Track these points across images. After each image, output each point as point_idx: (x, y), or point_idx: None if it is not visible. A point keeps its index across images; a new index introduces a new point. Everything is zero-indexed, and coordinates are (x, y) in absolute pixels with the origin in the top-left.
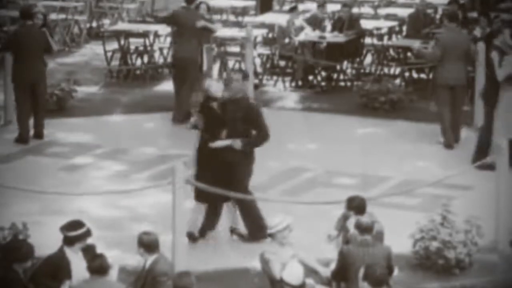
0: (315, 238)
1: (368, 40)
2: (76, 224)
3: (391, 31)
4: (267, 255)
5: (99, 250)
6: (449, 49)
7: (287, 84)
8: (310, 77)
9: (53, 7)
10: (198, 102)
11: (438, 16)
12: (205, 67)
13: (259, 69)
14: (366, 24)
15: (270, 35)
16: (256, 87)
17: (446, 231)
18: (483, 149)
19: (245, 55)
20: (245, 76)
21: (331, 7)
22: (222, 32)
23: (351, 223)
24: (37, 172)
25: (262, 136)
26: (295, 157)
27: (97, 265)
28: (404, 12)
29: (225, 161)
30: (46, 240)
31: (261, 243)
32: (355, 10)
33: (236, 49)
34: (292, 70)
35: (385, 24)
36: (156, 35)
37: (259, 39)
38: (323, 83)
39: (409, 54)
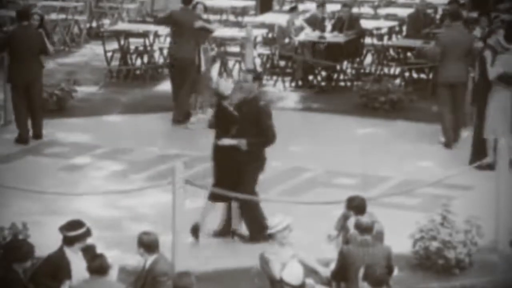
0: (315, 238)
1: (368, 40)
2: (75, 224)
3: (391, 31)
4: (267, 255)
5: (99, 250)
6: (449, 48)
7: (287, 84)
8: (310, 77)
9: (53, 7)
10: (204, 102)
11: (438, 16)
12: (203, 68)
13: (259, 69)
14: (366, 24)
15: (270, 35)
16: None
17: (446, 231)
18: (476, 148)
19: (245, 55)
20: (256, 77)
21: (331, 7)
22: (222, 32)
23: (351, 223)
24: (37, 172)
25: (268, 137)
26: (295, 157)
27: (97, 265)
28: (404, 12)
29: (234, 160)
30: (46, 240)
31: (261, 243)
32: (355, 10)
33: (236, 49)
34: (292, 70)
35: (385, 24)
36: (156, 35)
37: (259, 39)
38: (323, 83)
39: (409, 54)
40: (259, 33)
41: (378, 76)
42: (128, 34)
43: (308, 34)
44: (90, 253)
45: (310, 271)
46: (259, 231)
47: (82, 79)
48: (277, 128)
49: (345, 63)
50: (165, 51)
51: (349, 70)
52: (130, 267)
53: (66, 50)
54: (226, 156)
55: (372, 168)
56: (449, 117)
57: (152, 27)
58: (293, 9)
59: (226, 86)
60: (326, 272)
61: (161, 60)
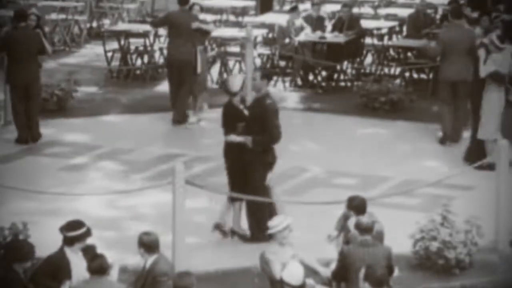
0: (315, 238)
1: (368, 40)
2: (76, 224)
3: (391, 31)
4: (267, 255)
5: (99, 250)
6: (449, 46)
7: (287, 84)
8: (310, 77)
9: (53, 7)
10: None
11: (438, 16)
12: (199, 69)
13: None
14: (366, 24)
15: (270, 35)
16: None
17: (446, 231)
18: (472, 147)
19: (245, 55)
20: (263, 75)
21: (331, 7)
22: (222, 32)
23: (351, 223)
24: (37, 172)
25: (272, 136)
26: (295, 157)
27: (97, 265)
28: (404, 12)
29: (242, 159)
30: (46, 240)
31: (261, 243)
32: (355, 10)
33: (236, 49)
34: (292, 70)
35: (385, 24)
36: (156, 35)
37: (259, 39)
38: (323, 83)
39: (409, 54)
40: (259, 33)
41: (378, 76)
42: (128, 34)
43: (308, 34)
44: (90, 253)
45: (310, 271)
46: (261, 231)
47: (82, 79)
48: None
49: (345, 63)
50: (165, 51)
51: (349, 70)
52: (130, 267)
53: (66, 50)
54: (234, 154)
55: (372, 168)
56: (448, 115)
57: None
58: (293, 9)
59: (233, 82)
60: (326, 272)
61: (161, 60)
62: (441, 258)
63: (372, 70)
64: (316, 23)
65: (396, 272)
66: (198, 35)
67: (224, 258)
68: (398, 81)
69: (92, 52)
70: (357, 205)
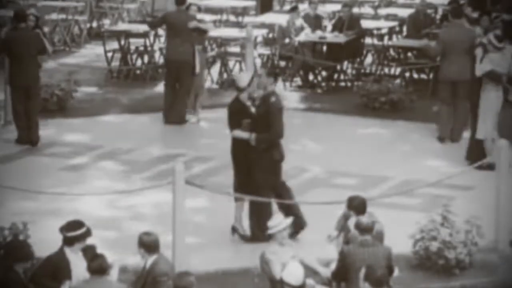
0: (315, 238)
1: (368, 40)
2: (75, 224)
3: (391, 31)
4: (267, 255)
5: (99, 250)
6: (449, 45)
7: (287, 84)
8: (310, 77)
9: (53, 7)
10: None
11: (438, 16)
12: (197, 69)
13: (260, 70)
14: (366, 24)
15: (270, 35)
16: None
17: (446, 231)
18: (472, 147)
19: (245, 55)
20: (269, 73)
21: (331, 7)
22: (222, 32)
23: (351, 223)
24: (37, 172)
25: (273, 134)
26: (296, 157)
27: (97, 265)
28: (404, 12)
29: (247, 158)
30: (46, 240)
31: (261, 243)
32: (355, 10)
33: (236, 49)
34: (290, 70)
35: (385, 24)
36: (156, 35)
37: (259, 39)
38: (323, 84)
39: (409, 54)
40: (260, 33)
41: (378, 76)
42: (128, 34)
43: (308, 34)
44: (90, 253)
45: (310, 271)
46: (261, 230)
47: (83, 79)
48: None
49: (345, 63)
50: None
51: (349, 70)
52: (130, 267)
53: (66, 50)
54: (240, 152)
55: (372, 168)
56: (447, 114)
57: None
58: (293, 9)
59: (240, 77)
60: (326, 272)
61: (161, 60)
62: (441, 258)
63: (372, 70)
64: (315, 22)
65: (396, 272)
66: (196, 34)
67: (224, 258)
68: (398, 81)
69: (92, 52)
70: (357, 205)
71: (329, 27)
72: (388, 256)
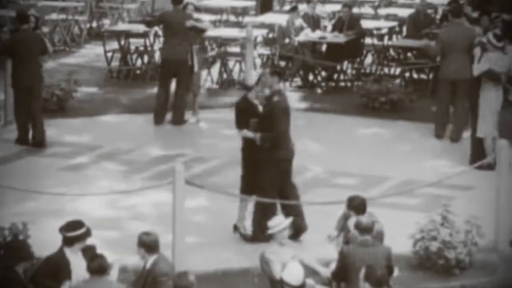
0: (315, 238)
1: (368, 40)
2: (75, 225)
3: (391, 31)
4: (267, 255)
5: (99, 250)
6: (449, 44)
7: (288, 84)
8: (310, 77)
9: (53, 7)
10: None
11: (438, 16)
12: (195, 68)
13: (260, 70)
14: (366, 24)
15: (270, 35)
16: None
17: (446, 231)
18: (475, 148)
19: (245, 55)
20: (273, 72)
21: (331, 7)
22: (222, 32)
23: (351, 223)
24: (37, 172)
25: (274, 133)
26: (296, 157)
27: (97, 265)
28: (404, 12)
29: (254, 157)
30: (46, 240)
31: (261, 243)
32: (355, 10)
33: (236, 49)
34: (290, 70)
35: (385, 24)
36: (156, 35)
37: (259, 39)
38: (323, 84)
39: (409, 54)
40: (259, 33)
41: (378, 76)
42: (128, 34)
43: (308, 34)
44: (90, 253)
45: (310, 271)
46: (262, 230)
47: (83, 79)
48: None
49: (345, 63)
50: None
51: (349, 70)
52: (130, 267)
53: (66, 50)
54: (248, 151)
55: (372, 168)
56: (442, 112)
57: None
58: (293, 9)
59: (248, 76)
60: (326, 272)
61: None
62: (441, 258)
63: (372, 70)
64: (314, 21)
65: (396, 272)
66: (193, 33)
67: (224, 258)
68: (398, 81)
69: (92, 52)
70: (357, 205)
71: (329, 27)
72: (388, 256)
